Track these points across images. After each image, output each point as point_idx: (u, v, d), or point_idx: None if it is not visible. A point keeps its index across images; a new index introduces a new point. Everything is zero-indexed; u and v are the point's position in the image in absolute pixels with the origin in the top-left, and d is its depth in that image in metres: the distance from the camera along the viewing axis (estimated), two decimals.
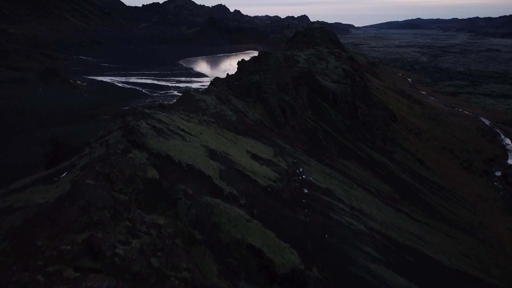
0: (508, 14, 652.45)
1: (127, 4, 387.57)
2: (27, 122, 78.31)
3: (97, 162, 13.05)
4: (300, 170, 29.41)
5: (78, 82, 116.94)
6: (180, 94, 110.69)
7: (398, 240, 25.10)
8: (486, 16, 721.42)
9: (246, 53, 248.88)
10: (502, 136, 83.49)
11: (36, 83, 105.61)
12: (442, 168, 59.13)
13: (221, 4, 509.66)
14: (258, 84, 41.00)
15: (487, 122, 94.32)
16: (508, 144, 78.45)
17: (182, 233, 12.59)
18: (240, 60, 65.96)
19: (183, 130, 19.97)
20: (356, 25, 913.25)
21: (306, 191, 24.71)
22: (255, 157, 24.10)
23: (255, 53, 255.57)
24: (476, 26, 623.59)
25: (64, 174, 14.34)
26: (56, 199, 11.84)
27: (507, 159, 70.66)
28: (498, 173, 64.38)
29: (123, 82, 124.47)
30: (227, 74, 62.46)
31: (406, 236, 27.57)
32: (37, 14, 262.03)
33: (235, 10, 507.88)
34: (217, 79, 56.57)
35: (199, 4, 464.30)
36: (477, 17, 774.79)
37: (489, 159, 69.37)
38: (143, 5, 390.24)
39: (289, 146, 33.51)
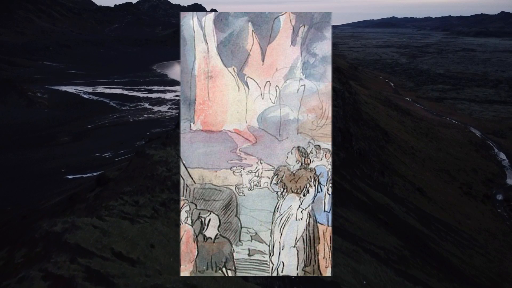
0: (479, 13, 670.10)
1: (98, 4, 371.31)
2: None
3: None
4: None
5: (38, 94, 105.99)
6: (152, 108, 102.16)
7: None
8: (459, 15, 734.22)
9: None
10: (496, 150, 79.26)
11: None
12: (443, 197, 53.61)
13: (197, 3, 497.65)
14: None
15: (477, 133, 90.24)
16: (504, 160, 74.12)
17: None
18: None
19: (119, 254, 12.39)
20: (332, 24, 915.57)
21: None
22: None
23: None
24: (449, 25, 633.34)
25: None
26: None
27: (506, 179, 66.02)
28: (500, 197, 59.55)
29: (89, 93, 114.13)
30: None
31: None
32: None
33: (212, 9, 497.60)
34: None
35: (174, 3, 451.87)
36: (450, 15, 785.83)
37: (487, 179, 64.57)
38: (115, 5, 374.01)
39: None
